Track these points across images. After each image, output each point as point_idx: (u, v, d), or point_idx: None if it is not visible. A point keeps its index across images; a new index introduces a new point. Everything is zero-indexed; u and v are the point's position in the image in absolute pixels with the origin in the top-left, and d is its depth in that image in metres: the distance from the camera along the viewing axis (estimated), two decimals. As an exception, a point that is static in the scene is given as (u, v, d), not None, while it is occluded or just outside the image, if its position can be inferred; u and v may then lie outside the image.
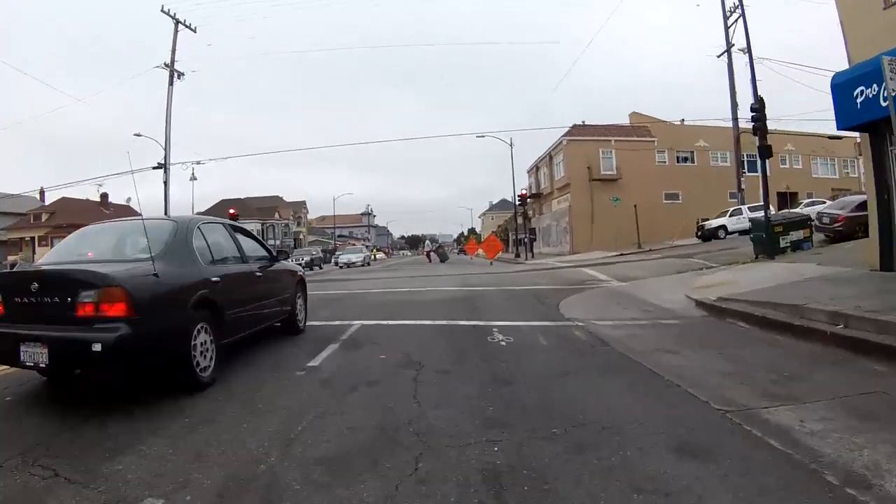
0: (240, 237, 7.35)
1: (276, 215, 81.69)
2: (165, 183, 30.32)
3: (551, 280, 17.83)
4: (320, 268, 46.38)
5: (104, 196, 55.28)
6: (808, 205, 27.49)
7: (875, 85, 9.14)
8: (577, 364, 6.11)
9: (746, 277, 12.04)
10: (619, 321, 8.95)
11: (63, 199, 53.69)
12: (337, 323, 9.56)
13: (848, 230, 16.63)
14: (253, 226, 75.34)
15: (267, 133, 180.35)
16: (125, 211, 44.68)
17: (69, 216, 48.97)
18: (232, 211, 39.15)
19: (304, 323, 8.92)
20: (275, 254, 8.17)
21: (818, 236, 17.50)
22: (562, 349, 6.97)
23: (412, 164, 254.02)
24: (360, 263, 45.31)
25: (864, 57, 9.66)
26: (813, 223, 17.30)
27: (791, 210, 25.18)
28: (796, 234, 15.86)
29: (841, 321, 6.76)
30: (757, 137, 15.47)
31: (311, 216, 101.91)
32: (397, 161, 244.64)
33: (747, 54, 17.71)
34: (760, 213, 24.98)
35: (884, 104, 9.00)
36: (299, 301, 8.73)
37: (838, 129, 10.13)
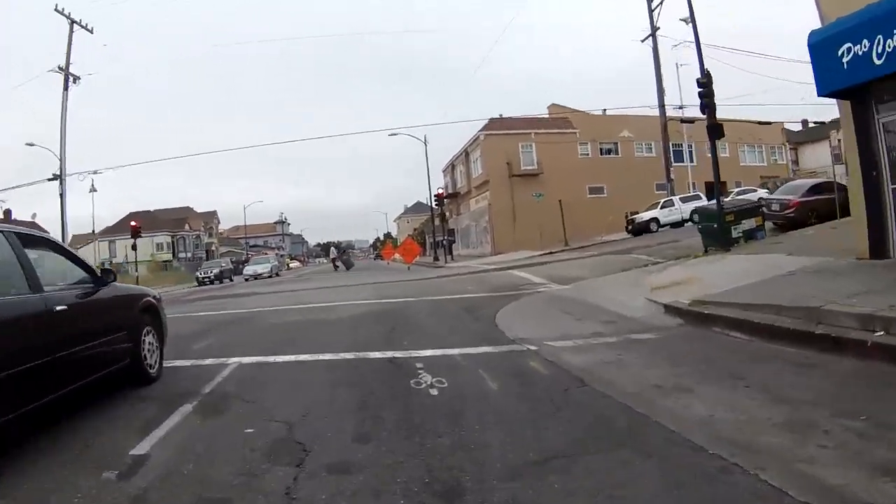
0: (33, 253, 4.77)
1: (187, 227, 77.90)
2: (62, 195, 29.69)
3: (479, 286, 15.63)
4: (230, 280, 42.77)
5: (7, 213, 49.85)
6: (738, 194, 26.89)
7: (867, 41, 7.65)
8: (556, 431, 3.87)
9: (710, 274, 10.50)
10: (580, 339, 6.99)
11: (-34, 221, 47.82)
12: (209, 362, 7.05)
13: (800, 216, 15.73)
14: (162, 238, 71.32)
15: (203, 138, 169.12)
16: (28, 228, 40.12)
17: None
18: (134, 224, 36.75)
19: (159, 366, 6.39)
20: (99, 274, 5.65)
21: (767, 224, 16.35)
22: (523, 398, 4.75)
23: (325, 168, 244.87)
24: (266, 274, 42.34)
25: (840, 13, 8.26)
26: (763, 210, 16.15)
27: (737, 197, 24.31)
28: (748, 223, 14.54)
29: (878, 326, 5.30)
30: (690, 121, 14.16)
31: (223, 226, 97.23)
32: (314, 166, 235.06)
33: (691, 24, 16.27)
34: (696, 204, 24.18)
35: (878, 62, 7.53)
36: (148, 338, 6.20)
37: (819, 94, 8.71)
